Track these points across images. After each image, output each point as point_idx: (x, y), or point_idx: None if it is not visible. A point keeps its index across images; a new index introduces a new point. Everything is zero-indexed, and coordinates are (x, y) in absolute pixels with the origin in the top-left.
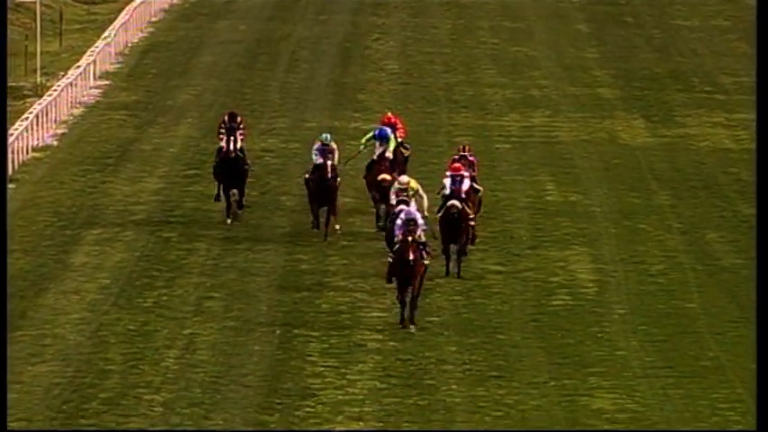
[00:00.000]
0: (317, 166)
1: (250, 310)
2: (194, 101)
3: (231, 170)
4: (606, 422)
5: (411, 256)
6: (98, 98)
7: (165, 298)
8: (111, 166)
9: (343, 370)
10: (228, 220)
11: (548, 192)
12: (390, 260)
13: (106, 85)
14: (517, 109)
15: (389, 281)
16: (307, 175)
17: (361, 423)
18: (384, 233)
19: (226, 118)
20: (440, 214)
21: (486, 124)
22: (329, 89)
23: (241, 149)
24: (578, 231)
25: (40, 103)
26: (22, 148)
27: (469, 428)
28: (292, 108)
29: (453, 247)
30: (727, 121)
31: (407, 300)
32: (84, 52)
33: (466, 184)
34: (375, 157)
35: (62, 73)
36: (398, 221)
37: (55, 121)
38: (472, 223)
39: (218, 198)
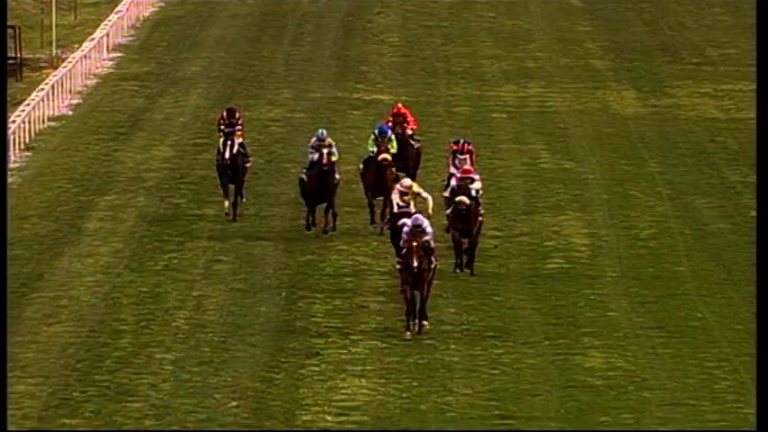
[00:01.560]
0: (312, 163)
1: (257, 273)
2: (203, 72)
3: (231, 169)
4: (599, 379)
5: (416, 263)
6: (111, 69)
7: (175, 261)
8: (124, 134)
9: (346, 330)
10: (230, 216)
11: (542, 159)
12: (399, 266)
13: (119, 57)
14: (513, 80)
15: (403, 290)
16: (302, 175)
17: (363, 380)
18: (389, 231)
19: (224, 114)
20: (448, 212)
21: (483, 95)
22: (332, 61)
23: (241, 145)
24: (571, 197)
25: (55, 75)
26: (39, 117)
27: (467, 393)
28: (297, 79)
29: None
30: (715, 91)
31: (416, 307)
32: (98, 25)
33: (476, 184)
34: (373, 154)
35: (76, 45)
36: (405, 228)
37: (70, 91)
38: (480, 218)
39: (226, 194)
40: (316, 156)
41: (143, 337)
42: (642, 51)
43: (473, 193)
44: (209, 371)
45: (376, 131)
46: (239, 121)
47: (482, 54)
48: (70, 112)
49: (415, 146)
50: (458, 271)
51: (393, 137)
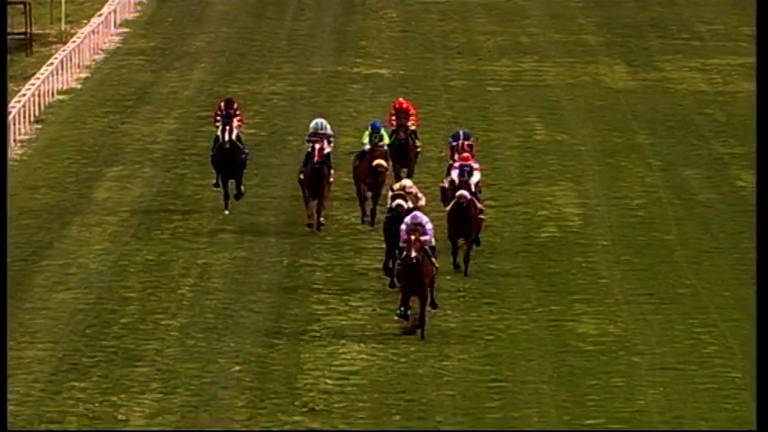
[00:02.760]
0: (308, 156)
1: (259, 241)
2: (207, 47)
3: (227, 160)
4: (590, 345)
5: (414, 254)
6: (118, 45)
7: (180, 230)
8: (131, 107)
9: (345, 297)
10: (226, 211)
11: (536, 132)
12: (398, 265)
13: (125, 32)
14: (508, 55)
15: (392, 285)
16: (301, 176)
17: (362, 345)
18: (383, 233)
19: (222, 104)
20: (448, 208)
21: (479, 69)
22: (333, 36)
23: (238, 138)
24: (564, 168)
25: (64, 50)
26: (48, 90)
27: (463, 357)
28: (298, 54)
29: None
30: (703, 65)
31: (416, 313)
32: (106, 2)
33: (475, 177)
34: (367, 148)
35: (85, 21)
36: (403, 226)
37: (78, 66)
38: (482, 216)
39: (217, 185)
40: (310, 148)
41: (149, 304)
42: (633, 27)
43: (472, 188)
44: (213, 336)
45: (370, 128)
46: (237, 112)
47: (478, 30)
48: (79, 86)
49: (417, 147)
50: (456, 269)
51: (385, 133)
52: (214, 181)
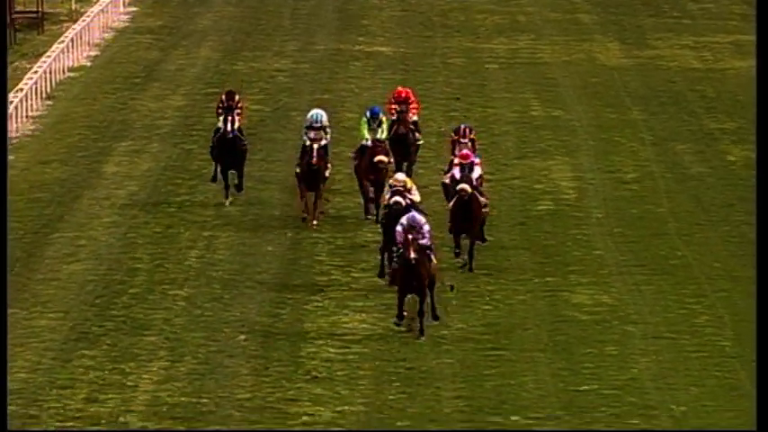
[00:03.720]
0: (304, 149)
1: (264, 214)
2: (214, 26)
3: (229, 150)
4: (585, 314)
5: (412, 255)
6: (127, 23)
7: (187, 204)
8: (139, 84)
9: (347, 268)
10: (227, 201)
11: (532, 108)
12: (395, 264)
13: (134, 11)
14: (505, 33)
15: (392, 282)
16: (297, 170)
17: (363, 315)
18: (380, 227)
19: (223, 97)
20: (450, 204)
21: (477, 47)
22: (335, 15)
23: (239, 129)
24: (560, 143)
25: (74, 28)
26: (59, 68)
27: (462, 327)
28: (302, 32)
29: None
30: (694, 43)
31: (416, 310)
32: None
33: (476, 172)
34: (368, 142)
35: (95, 0)
36: (399, 227)
37: (88, 44)
38: (486, 210)
39: (214, 179)
40: (307, 143)
41: (157, 275)
42: (626, 5)
43: (474, 182)
44: (219, 306)
45: (368, 114)
46: (238, 104)
47: (476, 9)
48: (89, 64)
49: (417, 141)
50: (458, 259)
51: (384, 120)
52: (212, 176)
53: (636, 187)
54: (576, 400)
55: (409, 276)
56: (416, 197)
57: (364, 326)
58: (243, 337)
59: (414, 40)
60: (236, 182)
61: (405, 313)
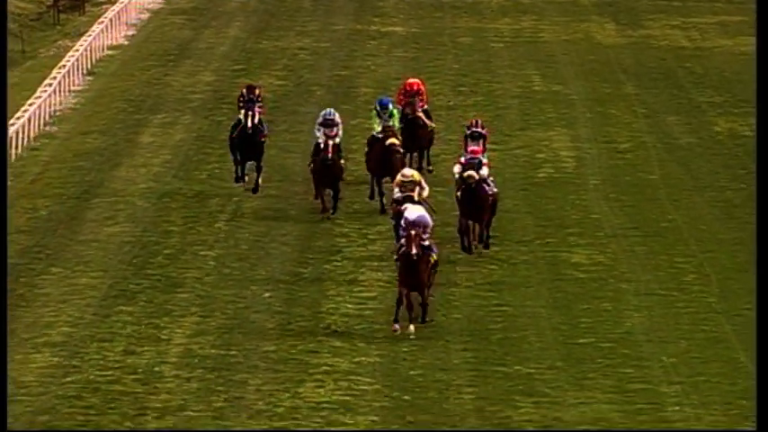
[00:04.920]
0: (317, 149)
1: (288, 180)
2: (241, 7)
3: (248, 143)
4: (582, 273)
5: (414, 251)
6: (161, 5)
7: (217, 171)
8: (172, 61)
9: (364, 231)
10: (242, 183)
11: (534, 83)
12: (396, 259)
13: None
14: (509, 14)
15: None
16: (311, 166)
17: (379, 274)
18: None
19: (244, 91)
20: (458, 192)
21: (483, 27)
22: None
23: (260, 122)
24: (559, 116)
25: (113, 9)
26: (99, 46)
27: (469, 285)
28: (322, 13)
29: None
30: (683, 24)
31: (411, 304)
32: None
33: (484, 171)
34: (377, 134)
35: None
36: (403, 222)
37: (126, 24)
38: (494, 196)
39: (238, 180)
40: (321, 139)
41: (189, 237)
42: None
43: (482, 172)
44: (246, 266)
45: (378, 106)
46: (259, 98)
47: None
48: (126, 42)
49: (429, 126)
50: (465, 253)
51: (395, 111)
52: (235, 175)
53: (629, 156)
54: (574, 352)
55: (410, 272)
56: (425, 192)
57: (380, 284)
58: (268, 294)
59: (425, 20)
60: (251, 186)
61: (399, 316)
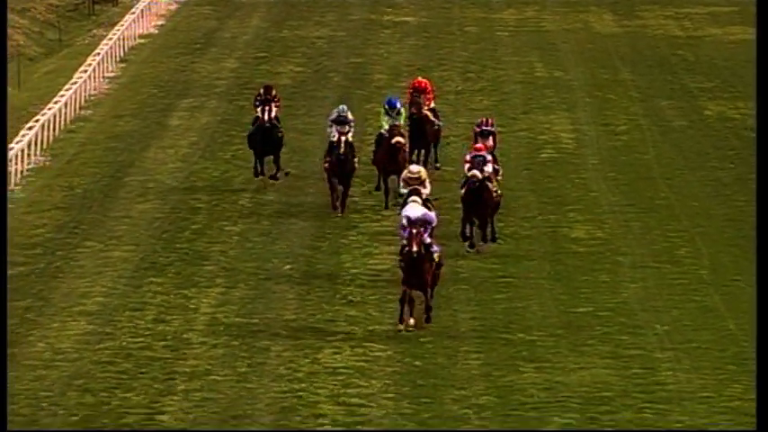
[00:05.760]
0: (332, 145)
1: (307, 161)
2: None
3: (266, 137)
4: (582, 247)
5: (415, 248)
6: None
7: (240, 152)
8: (199, 49)
9: (377, 207)
10: (260, 177)
11: (536, 69)
12: (399, 258)
13: None
14: (513, 5)
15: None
16: (326, 165)
17: (391, 247)
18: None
19: (261, 91)
20: (462, 190)
21: (489, 17)
22: None
23: (276, 118)
24: (560, 100)
25: (144, 1)
26: (131, 35)
27: (475, 258)
28: (339, 3)
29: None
30: (676, 14)
31: (411, 306)
32: None
33: (489, 168)
34: (385, 131)
35: None
36: (404, 220)
37: (156, 14)
38: (496, 193)
39: (257, 174)
40: (335, 136)
41: (215, 213)
42: None
43: (486, 170)
44: (267, 240)
45: (386, 105)
46: (275, 97)
47: None
48: (156, 31)
49: (435, 125)
50: (469, 250)
51: (402, 109)
52: (254, 171)
53: (626, 138)
54: (574, 321)
55: (412, 270)
56: (428, 189)
57: (393, 257)
58: (288, 266)
59: (435, 11)
60: (271, 173)
61: (404, 316)
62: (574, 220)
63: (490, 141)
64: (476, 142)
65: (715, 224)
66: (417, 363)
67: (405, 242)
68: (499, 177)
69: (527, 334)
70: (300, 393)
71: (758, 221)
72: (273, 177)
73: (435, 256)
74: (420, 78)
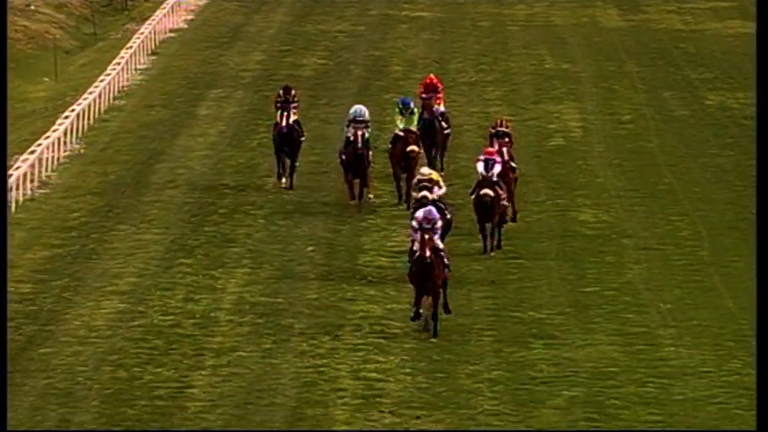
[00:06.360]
0: (348, 142)
1: (328, 148)
2: None
3: (286, 142)
4: (589, 230)
5: (428, 253)
6: None
7: (265, 140)
8: (226, 42)
9: (395, 192)
10: (282, 181)
11: (546, 61)
12: (409, 264)
13: None
14: (524, 1)
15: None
16: (342, 157)
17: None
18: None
19: (281, 92)
20: (473, 197)
21: (501, 12)
22: None
23: (296, 122)
24: (569, 90)
25: None
26: (162, 29)
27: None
28: (358, 1)
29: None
30: (678, 9)
31: (428, 314)
32: None
33: (497, 169)
34: (400, 132)
35: None
36: (414, 223)
37: (185, 9)
38: (504, 203)
39: (279, 177)
40: (350, 133)
41: (241, 198)
42: None
43: (494, 178)
44: (291, 224)
45: (400, 105)
46: (294, 99)
47: None
48: (185, 26)
49: (445, 130)
50: (484, 254)
51: (416, 109)
52: (276, 171)
53: (630, 126)
54: (581, 300)
55: (424, 276)
56: (441, 191)
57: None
58: (311, 248)
59: (449, 6)
60: (287, 184)
61: (421, 311)
62: (581, 204)
63: (507, 142)
64: (491, 144)
65: (715, 208)
66: (433, 340)
67: (416, 246)
68: (516, 172)
69: (537, 312)
70: (322, 368)
71: (758, 205)
72: (289, 187)
73: (446, 260)
74: (432, 76)
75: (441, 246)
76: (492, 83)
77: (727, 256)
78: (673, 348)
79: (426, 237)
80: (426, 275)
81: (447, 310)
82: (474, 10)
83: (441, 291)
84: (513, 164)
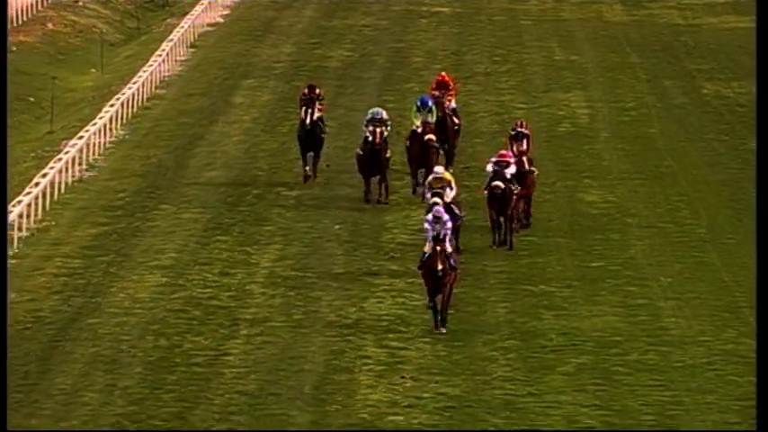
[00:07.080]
0: (366, 140)
1: (353, 135)
2: None
3: (309, 138)
4: (595, 210)
5: (440, 266)
6: None
7: (296, 126)
8: (260, 36)
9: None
10: (307, 168)
11: (555, 54)
12: (420, 270)
13: None
14: None
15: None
16: (359, 151)
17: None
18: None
19: (306, 90)
20: (485, 192)
21: (514, 7)
22: None
23: (320, 119)
24: (577, 80)
25: None
26: (200, 23)
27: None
28: None
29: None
30: (678, 4)
31: (438, 308)
32: None
33: (511, 169)
34: (417, 128)
35: None
36: (427, 224)
37: (222, 5)
38: (516, 194)
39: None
40: (370, 134)
41: (273, 179)
42: None
43: (507, 176)
44: (320, 204)
45: (418, 102)
46: (319, 96)
47: None
48: (222, 20)
49: (456, 125)
50: (494, 247)
51: (433, 107)
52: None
53: (634, 113)
54: (588, 274)
55: (435, 284)
56: (453, 192)
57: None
58: (338, 226)
59: (466, 2)
60: (309, 173)
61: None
62: (588, 185)
63: (524, 145)
64: (511, 146)
65: (712, 189)
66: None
67: (427, 247)
68: (534, 173)
69: (547, 285)
70: (348, 338)
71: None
72: (307, 177)
73: (452, 261)
74: (444, 73)
75: (449, 249)
76: (506, 73)
77: (723, 233)
78: (673, 319)
79: (438, 248)
80: (437, 284)
81: (443, 324)
82: (489, 5)
83: (449, 294)
84: (532, 167)
